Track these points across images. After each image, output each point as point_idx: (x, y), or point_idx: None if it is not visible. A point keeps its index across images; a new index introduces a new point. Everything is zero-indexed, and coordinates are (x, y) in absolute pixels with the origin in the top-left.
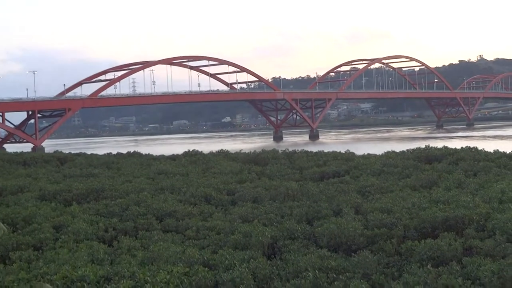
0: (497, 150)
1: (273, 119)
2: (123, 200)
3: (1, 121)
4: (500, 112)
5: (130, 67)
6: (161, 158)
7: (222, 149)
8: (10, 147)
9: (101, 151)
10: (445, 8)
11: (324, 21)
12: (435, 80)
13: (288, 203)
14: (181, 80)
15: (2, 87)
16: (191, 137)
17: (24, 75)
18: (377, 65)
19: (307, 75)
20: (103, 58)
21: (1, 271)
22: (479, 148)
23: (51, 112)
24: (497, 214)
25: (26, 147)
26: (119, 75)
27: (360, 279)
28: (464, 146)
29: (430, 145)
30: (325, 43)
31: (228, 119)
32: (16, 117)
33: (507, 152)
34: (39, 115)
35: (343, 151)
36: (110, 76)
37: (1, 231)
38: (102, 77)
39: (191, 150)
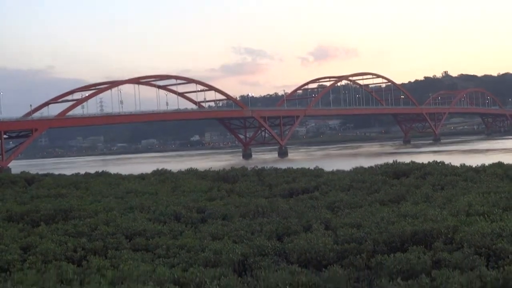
0: (464, 164)
1: (242, 137)
2: (92, 220)
3: None
4: (466, 127)
5: (97, 87)
6: (130, 177)
7: (191, 168)
8: None
9: (69, 171)
10: (410, 26)
11: (292, 39)
12: (402, 96)
13: (258, 219)
14: (149, 99)
15: None
16: (160, 156)
17: None
18: (344, 82)
19: (275, 93)
20: (70, 78)
21: None
22: (446, 163)
23: (17, 133)
24: (464, 227)
25: None
26: (86, 95)
27: None
28: (431, 161)
29: (398, 160)
30: (293, 61)
31: (197, 137)
32: None
33: (473, 166)
34: (5, 136)
35: (312, 168)
36: (77, 96)
37: None
38: (69, 97)
39: (160, 169)
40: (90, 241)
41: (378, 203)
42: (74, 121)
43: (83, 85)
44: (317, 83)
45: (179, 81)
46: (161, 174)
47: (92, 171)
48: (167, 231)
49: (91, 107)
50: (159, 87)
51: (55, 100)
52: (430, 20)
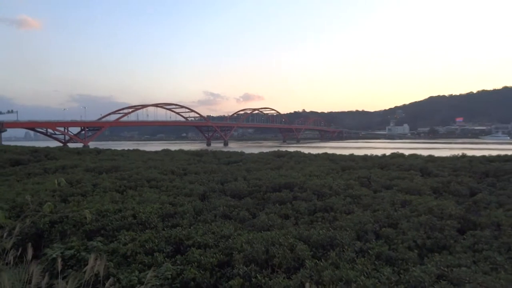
0: (309, 152)
1: (206, 135)
2: (129, 172)
3: (67, 132)
4: (312, 135)
5: (135, 107)
6: (150, 152)
7: (181, 148)
8: (71, 145)
9: (119, 148)
10: (289, 81)
11: (231, 89)
12: (283, 120)
13: (212, 175)
14: (162, 114)
15: (67, 115)
16: (166, 143)
17: (79, 109)
18: (256, 111)
19: (224, 115)
20: (121, 101)
21: (63, 206)
22: (302, 152)
23: (93, 128)
24: (308, 181)
25: (79, 145)
26: (130, 111)
27: (245, 210)
28: (295, 150)
29: (279, 149)
30: (232, 100)
31: (184, 135)
32: (74, 130)
33: (314, 153)
34: (87, 129)
35: (239, 151)
36: (125, 111)
37: (63, 184)
38: (120, 112)
39: (165, 149)
40: (128, 182)
41: (269, 169)
42: (124, 123)
43: (127, 106)
44: (244, 111)
45: (177, 106)
46: (165, 151)
47: (131, 148)
48: (167, 179)
49: (132, 117)
50: (166, 108)
51: (113, 112)
52: (297, 76)
